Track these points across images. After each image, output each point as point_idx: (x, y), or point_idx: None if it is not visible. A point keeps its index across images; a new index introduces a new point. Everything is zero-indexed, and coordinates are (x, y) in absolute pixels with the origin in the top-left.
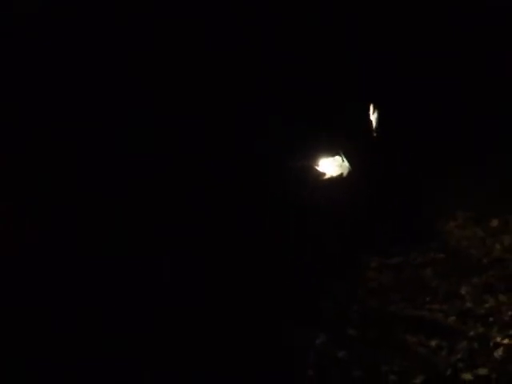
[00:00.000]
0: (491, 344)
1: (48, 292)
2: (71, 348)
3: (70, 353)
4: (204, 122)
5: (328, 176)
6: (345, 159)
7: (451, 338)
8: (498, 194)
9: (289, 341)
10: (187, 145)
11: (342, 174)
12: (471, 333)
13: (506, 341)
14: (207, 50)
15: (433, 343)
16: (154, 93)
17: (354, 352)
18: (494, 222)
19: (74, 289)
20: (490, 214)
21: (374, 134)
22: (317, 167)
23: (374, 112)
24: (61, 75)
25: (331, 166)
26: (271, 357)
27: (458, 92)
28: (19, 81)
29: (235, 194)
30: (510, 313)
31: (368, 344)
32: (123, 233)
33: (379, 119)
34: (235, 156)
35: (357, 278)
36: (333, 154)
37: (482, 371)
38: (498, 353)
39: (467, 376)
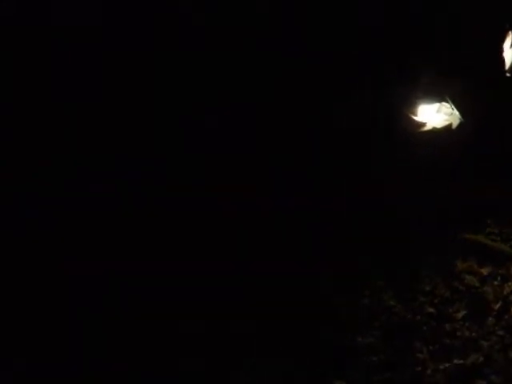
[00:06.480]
0: None
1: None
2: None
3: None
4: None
5: (429, 127)
6: (455, 107)
7: (507, 266)
8: None
9: None
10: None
11: (450, 125)
12: None
13: None
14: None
15: (484, 271)
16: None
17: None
18: None
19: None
20: None
21: (508, 75)
22: (414, 116)
23: None
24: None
25: (435, 114)
26: None
27: None
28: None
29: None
30: None
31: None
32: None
33: None
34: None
35: None
36: (438, 100)
37: None
38: None
39: None
